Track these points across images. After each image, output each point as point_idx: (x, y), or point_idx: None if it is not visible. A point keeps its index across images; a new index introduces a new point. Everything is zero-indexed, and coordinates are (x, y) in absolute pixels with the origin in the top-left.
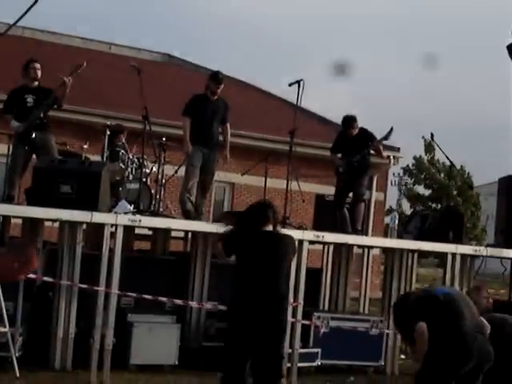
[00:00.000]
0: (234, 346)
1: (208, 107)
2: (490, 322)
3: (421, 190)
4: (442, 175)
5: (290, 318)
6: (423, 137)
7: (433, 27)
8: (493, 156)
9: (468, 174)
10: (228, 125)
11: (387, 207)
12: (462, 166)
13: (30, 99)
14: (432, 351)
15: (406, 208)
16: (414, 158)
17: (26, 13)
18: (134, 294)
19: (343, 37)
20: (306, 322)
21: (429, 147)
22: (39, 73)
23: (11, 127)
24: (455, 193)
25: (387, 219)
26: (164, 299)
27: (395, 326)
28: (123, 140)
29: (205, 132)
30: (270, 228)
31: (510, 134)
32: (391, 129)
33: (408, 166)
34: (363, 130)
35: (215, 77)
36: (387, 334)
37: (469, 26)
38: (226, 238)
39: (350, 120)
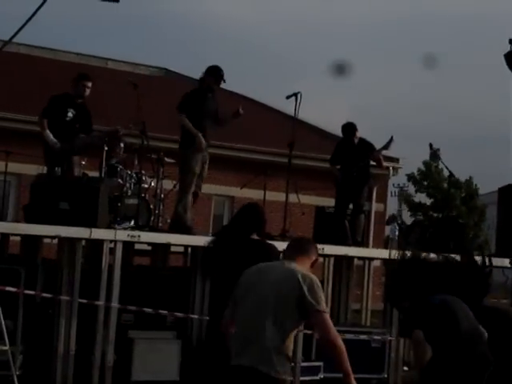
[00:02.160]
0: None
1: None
2: (495, 311)
3: (422, 198)
4: (446, 185)
5: None
6: (430, 143)
7: (430, 37)
8: (494, 165)
9: (475, 185)
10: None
11: (389, 215)
12: (470, 177)
13: (70, 114)
14: (432, 357)
15: (406, 218)
16: (424, 162)
17: (20, 29)
18: (134, 308)
19: (341, 48)
20: (308, 332)
21: (434, 156)
22: (88, 91)
23: (45, 136)
24: (458, 202)
25: (387, 230)
26: (165, 312)
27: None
28: (121, 148)
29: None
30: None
31: (511, 143)
32: (391, 138)
33: (413, 173)
34: (363, 140)
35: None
36: (390, 346)
37: (470, 32)
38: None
39: (350, 127)
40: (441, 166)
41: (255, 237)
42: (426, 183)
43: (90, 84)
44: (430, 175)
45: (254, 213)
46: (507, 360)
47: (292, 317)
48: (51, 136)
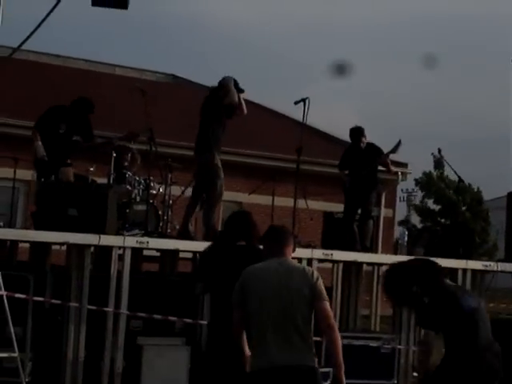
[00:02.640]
0: None
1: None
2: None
3: (430, 204)
4: (451, 191)
5: None
6: (432, 153)
7: (430, 38)
8: (502, 169)
9: (478, 188)
10: None
11: (398, 221)
12: (469, 184)
13: (63, 127)
14: (445, 360)
15: (416, 222)
16: (424, 173)
17: (29, 36)
18: (143, 314)
19: (351, 52)
20: (318, 339)
21: (438, 163)
22: None
23: (35, 147)
24: (464, 208)
25: (397, 234)
26: (174, 318)
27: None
28: (128, 159)
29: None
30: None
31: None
32: (399, 142)
33: (421, 177)
34: (371, 145)
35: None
36: (399, 352)
37: (470, 34)
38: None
39: (357, 131)
40: (446, 172)
41: (242, 243)
42: (432, 190)
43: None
44: (432, 184)
45: (240, 220)
46: None
47: (310, 309)
48: (41, 148)
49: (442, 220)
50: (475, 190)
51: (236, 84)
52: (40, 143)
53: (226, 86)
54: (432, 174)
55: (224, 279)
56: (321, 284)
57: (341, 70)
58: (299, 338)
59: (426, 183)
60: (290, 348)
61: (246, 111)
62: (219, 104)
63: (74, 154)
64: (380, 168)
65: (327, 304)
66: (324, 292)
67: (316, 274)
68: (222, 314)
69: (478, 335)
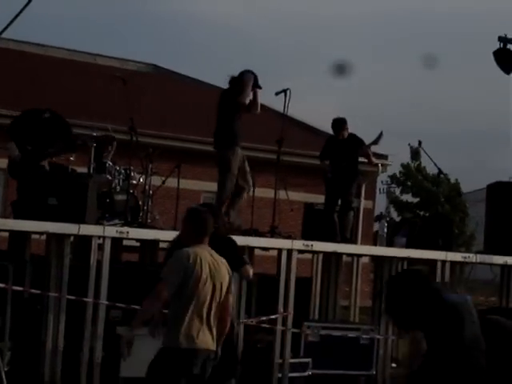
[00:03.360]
0: None
1: None
2: (495, 324)
3: (409, 198)
4: (429, 183)
5: (280, 328)
6: (409, 144)
7: (413, 36)
8: (480, 162)
9: (456, 180)
10: None
11: (377, 213)
12: (446, 174)
13: (37, 131)
14: (428, 356)
15: (395, 216)
16: (402, 165)
17: (9, 24)
18: (123, 305)
19: (328, 45)
20: (297, 331)
21: (415, 155)
22: None
23: (8, 148)
24: (443, 200)
25: (376, 226)
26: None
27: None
28: (111, 151)
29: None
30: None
31: (510, 141)
32: (381, 133)
33: (395, 174)
34: (353, 136)
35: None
36: (378, 343)
37: (458, 31)
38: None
39: (340, 122)
40: (423, 164)
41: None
42: (409, 183)
43: None
44: (410, 176)
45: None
46: (503, 373)
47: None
48: (14, 147)
49: (421, 213)
50: (453, 181)
51: (256, 80)
52: (13, 143)
53: (244, 84)
54: (410, 165)
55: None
56: None
57: (341, 69)
58: None
59: (404, 175)
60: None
61: (259, 110)
62: (234, 99)
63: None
64: (361, 159)
65: None
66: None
67: None
68: None
69: (464, 331)
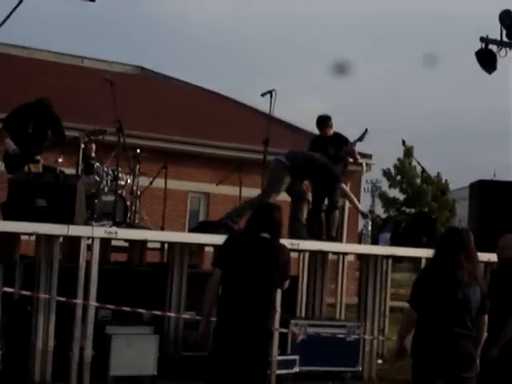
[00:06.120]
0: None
1: None
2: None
3: (396, 193)
4: (419, 180)
5: None
6: (402, 139)
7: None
8: (466, 160)
9: (446, 181)
10: None
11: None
12: (438, 173)
13: (31, 126)
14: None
15: (380, 213)
16: (399, 159)
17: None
18: (112, 306)
19: (316, 45)
20: (284, 330)
21: (408, 151)
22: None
23: (6, 144)
24: (430, 198)
25: (361, 225)
26: (142, 311)
27: None
28: (93, 150)
29: None
30: (266, 235)
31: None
32: (366, 130)
33: (388, 168)
34: (338, 135)
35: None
36: (364, 340)
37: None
38: (222, 245)
39: (324, 119)
40: (414, 162)
41: (266, 235)
42: (399, 178)
43: None
44: (404, 171)
45: (266, 213)
46: None
47: None
48: (11, 143)
49: (407, 210)
50: (442, 180)
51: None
52: (9, 140)
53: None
54: (404, 161)
55: (240, 269)
56: None
57: (341, 69)
58: None
59: (398, 170)
60: None
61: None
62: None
63: (43, 151)
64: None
65: None
66: None
67: None
68: (233, 302)
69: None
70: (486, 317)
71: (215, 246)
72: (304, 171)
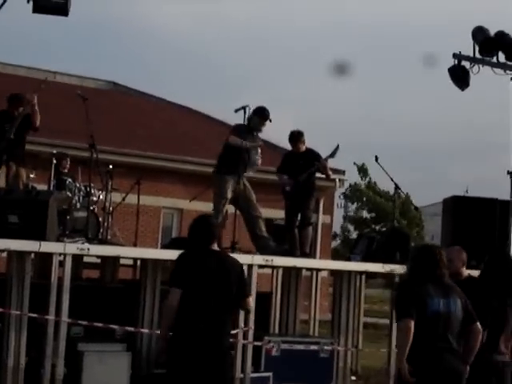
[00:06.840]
0: None
1: None
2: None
3: (365, 213)
4: (382, 199)
5: (241, 341)
6: (355, 163)
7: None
8: (435, 176)
9: (407, 194)
10: None
11: (332, 232)
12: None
13: (8, 129)
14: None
15: (352, 231)
16: (350, 185)
17: None
18: (84, 322)
19: (290, 59)
20: (258, 344)
21: (363, 171)
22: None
23: None
24: (398, 215)
25: (334, 243)
26: (115, 327)
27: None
28: (67, 166)
29: None
30: (216, 247)
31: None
32: (337, 146)
33: (346, 191)
34: (310, 150)
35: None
36: (338, 356)
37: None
38: (176, 262)
39: (297, 135)
40: (374, 179)
41: (215, 247)
42: (362, 200)
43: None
44: (360, 195)
45: (207, 224)
46: None
47: None
48: None
49: (377, 228)
50: (404, 196)
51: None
52: None
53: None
54: (358, 185)
55: (201, 287)
56: None
57: (341, 69)
58: None
59: (354, 195)
60: None
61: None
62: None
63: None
64: (318, 175)
65: None
66: None
67: None
68: (196, 317)
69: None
70: (478, 324)
71: None
72: None
